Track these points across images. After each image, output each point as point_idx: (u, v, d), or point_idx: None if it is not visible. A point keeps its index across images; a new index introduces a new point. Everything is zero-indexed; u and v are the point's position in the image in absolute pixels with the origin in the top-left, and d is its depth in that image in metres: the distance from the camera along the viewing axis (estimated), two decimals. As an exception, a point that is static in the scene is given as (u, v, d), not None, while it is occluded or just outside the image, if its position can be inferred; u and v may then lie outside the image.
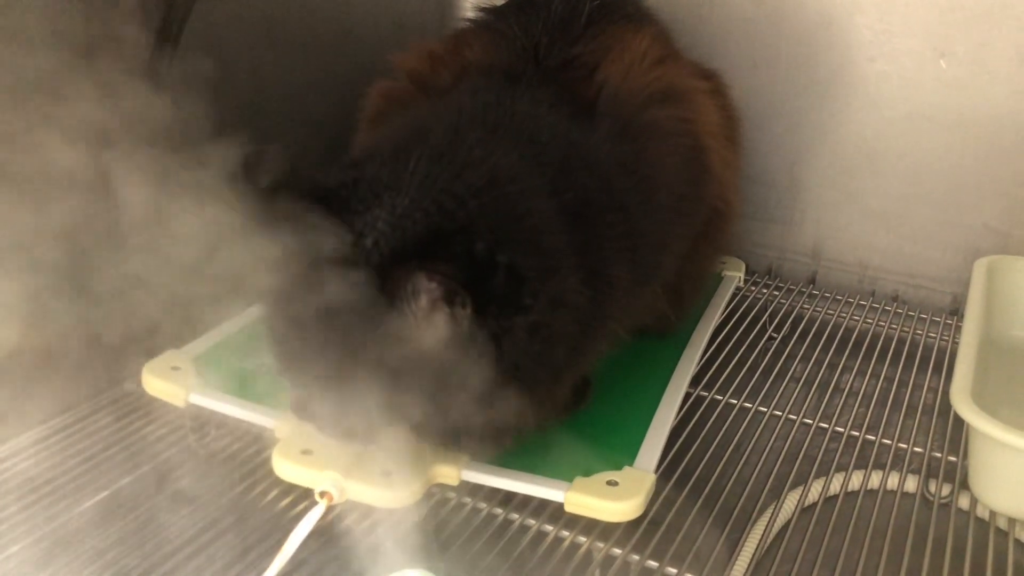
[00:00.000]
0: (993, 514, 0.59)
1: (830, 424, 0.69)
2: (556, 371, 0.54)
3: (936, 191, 0.87)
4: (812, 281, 0.94)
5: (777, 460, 0.64)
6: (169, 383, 0.63)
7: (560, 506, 0.55)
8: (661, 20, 0.76)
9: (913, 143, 0.86)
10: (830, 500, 0.62)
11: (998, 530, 0.58)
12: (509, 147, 0.54)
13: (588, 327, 0.54)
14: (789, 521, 0.60)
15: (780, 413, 0.70)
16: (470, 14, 0.76)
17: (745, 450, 0.65)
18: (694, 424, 0.66)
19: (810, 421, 0.69)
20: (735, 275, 0.88)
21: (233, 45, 0.76)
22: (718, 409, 0.70)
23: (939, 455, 0.66)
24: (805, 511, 0.61)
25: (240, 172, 0.48)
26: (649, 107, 0.63)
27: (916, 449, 0.66)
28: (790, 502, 0.61)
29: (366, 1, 0.91)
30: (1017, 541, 0.58)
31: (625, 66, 0.64)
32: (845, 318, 0.86)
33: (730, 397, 0.71)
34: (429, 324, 0.47)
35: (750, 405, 0.71)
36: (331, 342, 0.48)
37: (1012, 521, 0.59)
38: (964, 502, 0.61)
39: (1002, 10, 0.80)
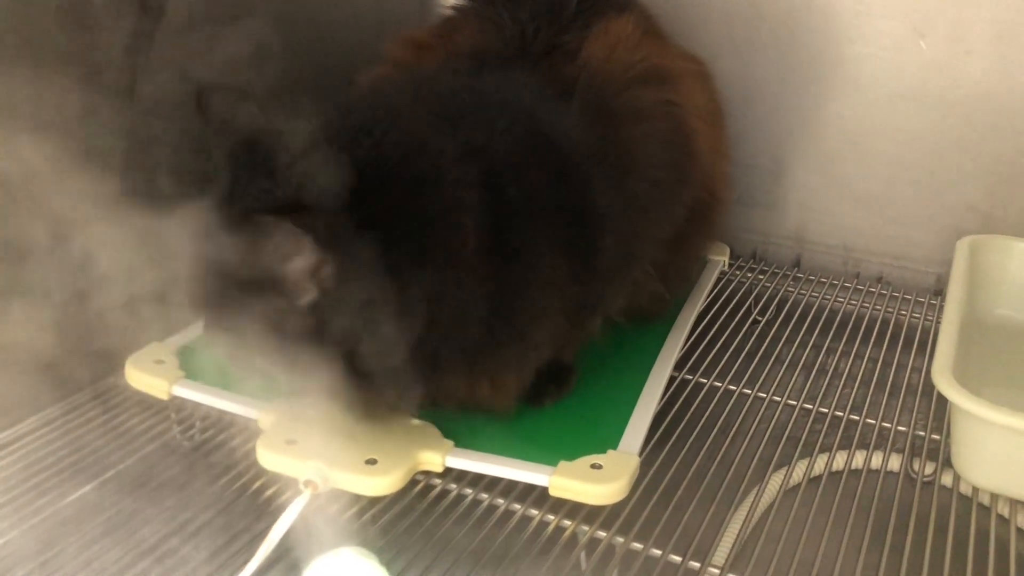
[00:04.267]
0: (976, 490, 0.60)
1: (814, 405, 0.69)
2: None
3: (918, 172, 0.87)
4: (797, 264, 0.94)
5: (762, 441, 0.64)
6: (152, 376, 0.63)
7: (545, 490, 0.55)
8: (645, 7, 0.76)
9: (894, 124, 0.87)
10: (814, 480, 0.62)
11: (980, 506, 0.59)
12: (447, 130, 0.53)
13: (505, 318, 0.54)
14: (774, 502, 0.60)
15: (765, 395, 0.70)
16: (453, 3, 0.75)
17: (730, 432, 0.65)
18: (679, 407, 0.67)
19: (794, 402, 0.70)
20: (719, 259, 0.88)
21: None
22: (703, 392, 0.70)
23: (923, 434, 0.66)
24: (790, 492, 0.61)
25: (196, 106, 0.49)
26: (630, 88, 0.63)
27: (900, 428, 0.67)
28: (774, 483, 0.61)
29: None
30: (999, 516, 0.58)
31: (609, 46, 0.64)
32: (830, 300, 0.87)
33: (715, 380, 0.72)
34: (289, 279, 0.47)
35: (735, 387, 0.71)
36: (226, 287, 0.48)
37: (994, 497, 0.59)
38: (947, 479, 0.62)
39: (980, -11, 0.80)
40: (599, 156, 0.59)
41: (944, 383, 0.58)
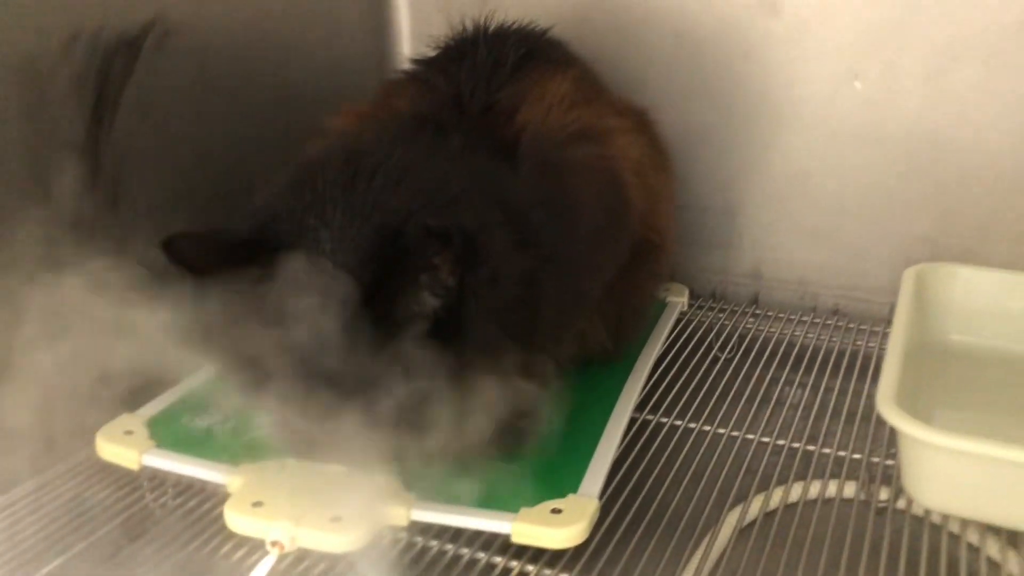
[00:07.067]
0: (928, 512, 0.61)
1: (771, 438, 0.71)
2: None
3: (865, 206, 0.90)
4: (755, 301, 0.97)
5: (719, 477, 0.66)
6: (122, 447, 0.64)
7: (508, 537, 0.56)
8: (586, 61, 0.79)
9: (838, 161, 0.90)
10: (771, 514, 0.64)
11: (933, 525, 0.60)
12: (419, 153, 0.58)
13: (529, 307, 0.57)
14: (732, 536, 0.61)
15: (723, 431, 0.72)
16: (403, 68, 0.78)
17: (688, 470, 0.67)
18: (639, 448, 0.68)
19: (752, 436, 0.71)
20: (679, 300, 0.90)
21: (171, 112, 0.78)
22: (663, 431, 0.71)
23: (878, 460, 0.68)
24: (748, 526, 0.63)
25: (165, 256, 0.51)
26: (568, 146, 0.66)
27: (855, 456, 0.68)
28: (732, 518, 0.63)
29: (305, 65, 0.94)
30: (951, 534, 0.60)
31: (545, 108, 0.67)
32: (787, 334, 0.89)
33: (675, 419, 0.73)
34: (432, 305, 0.51)
35: (694, 425, 0.73)
36: (332, 362, 0.49)
37: (945, 516, 0.61)
38: (902, 503, 0.63)
39: (909, 31, 0.84)
40: (549, 207, 0.62)
41: (887, 409, 0.59)
